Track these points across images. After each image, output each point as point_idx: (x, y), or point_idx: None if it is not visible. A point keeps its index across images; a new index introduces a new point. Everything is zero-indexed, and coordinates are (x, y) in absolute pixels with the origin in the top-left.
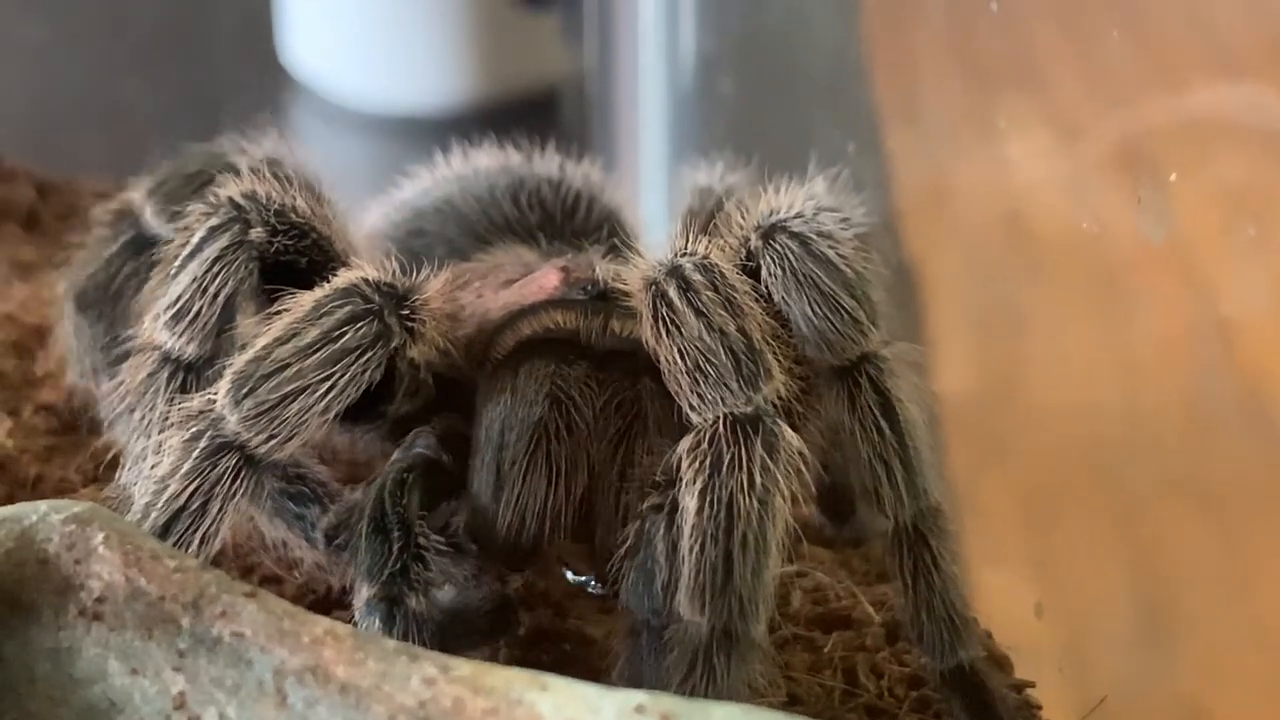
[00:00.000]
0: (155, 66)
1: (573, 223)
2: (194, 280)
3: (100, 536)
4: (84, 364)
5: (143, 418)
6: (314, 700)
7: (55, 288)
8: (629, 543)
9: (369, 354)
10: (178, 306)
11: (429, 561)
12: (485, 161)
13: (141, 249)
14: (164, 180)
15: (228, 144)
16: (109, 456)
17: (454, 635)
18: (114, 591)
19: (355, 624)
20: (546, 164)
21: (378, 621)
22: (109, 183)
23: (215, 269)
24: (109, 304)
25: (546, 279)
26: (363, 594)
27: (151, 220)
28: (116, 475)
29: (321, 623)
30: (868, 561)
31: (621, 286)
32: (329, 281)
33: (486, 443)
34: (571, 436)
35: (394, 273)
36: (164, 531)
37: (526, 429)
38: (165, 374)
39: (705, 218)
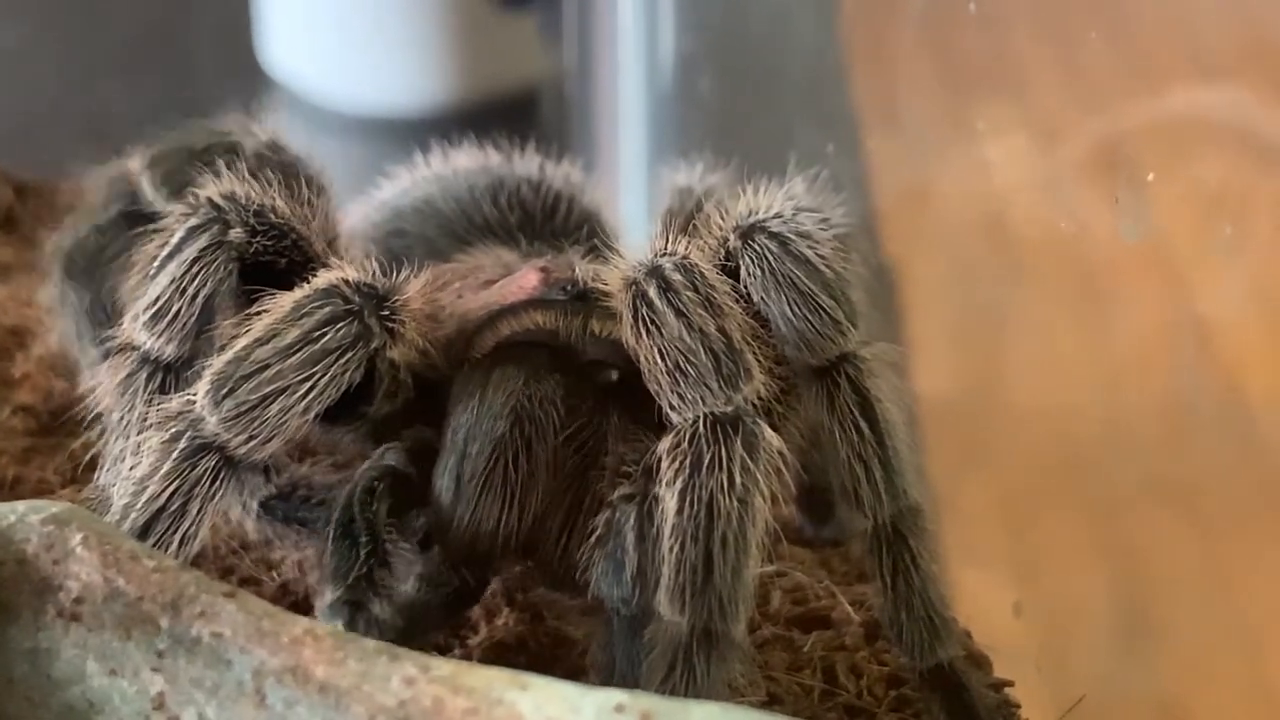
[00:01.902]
0: (134, 68)
1: (553, 223)
2: (173, 281)
3: (79, 537)
4: (69, 330)
5: (121, 418)
6: (293, 700)
7: (44, 250)
8: (599, 532)
9: (349, 355)
10: (157, 307)
11: (395, 568)
12: (465, 162)
13: (135, 221)
14: (166, 153)
15: (233, 122)
16: (87, 457)
17: (410, 628)
18: (92, 592)
19: None
20: (526, 164)
21: (340, 624)
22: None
23: (194, 269)
24: (97, 273)
25: (526, 279)
26: (326, 596)
27: (149, 192)
28: (95, 476)
29: (301, 623)
30: (847, 561)
31: (601, 287)
32: (308, 282)
33: (451, 448)
34: (531, 458)
35: (374, 273)
36: (143, 532)
37: (488, 444)
38: (144, 374)
39: (685, 218)
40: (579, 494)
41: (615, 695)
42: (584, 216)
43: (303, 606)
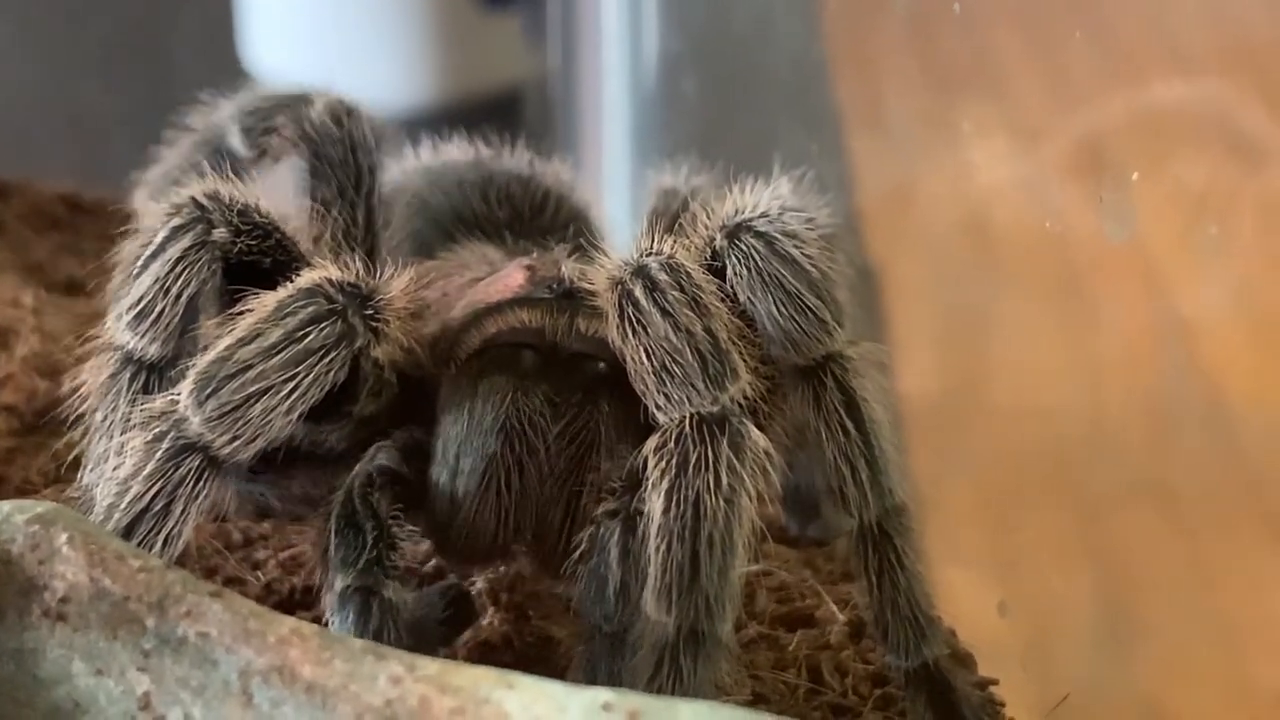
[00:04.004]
0: (116, 67)
1: (540, 220)
2: (156, 280)
3: (64, 537)
4: None
5: (105, 418)
6: (280, 700)
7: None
8: (582, 548)
9: (333, 354)
10: (140, 306)
11: (402, 550)
12: (455, 155)
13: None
14: (251, 107)
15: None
16: (70, 457)
17: (417, 640)
18: (78, 592)
19: (325, 620)
20: (516, 160)
21: (352, 614)
22: (70, 184)
23: (178, 269)
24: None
25: (512, 277)
26: (336, 586)
27: (235, 142)
28: (78, 476)
29: (287, 622)
30: (832, 560)
31: (587, 286)
32: (292, 281)
33: (443, 462)
34: (522, 473)
35: (358, 272)
36: (127, 533)
37: (480, 461)
38: (128, 374)
39: (670, 218)
40: (573, 491)
41: (602, 694)
42: (571, 214)
43: (287, 606)
